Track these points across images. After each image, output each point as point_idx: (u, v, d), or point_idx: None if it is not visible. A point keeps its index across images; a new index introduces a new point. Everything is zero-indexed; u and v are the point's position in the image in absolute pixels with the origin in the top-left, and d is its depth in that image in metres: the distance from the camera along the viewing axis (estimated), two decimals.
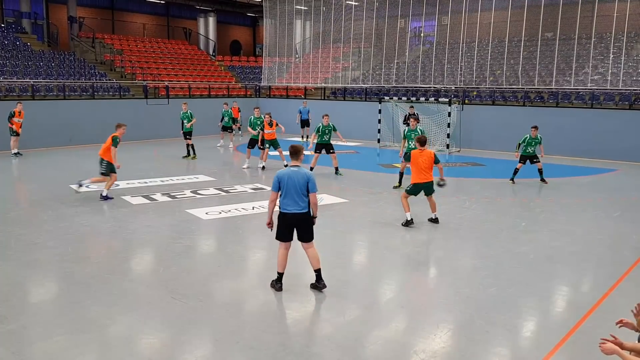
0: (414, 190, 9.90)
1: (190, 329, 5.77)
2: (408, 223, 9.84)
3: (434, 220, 10.06)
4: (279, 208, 6.72)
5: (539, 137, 14.24)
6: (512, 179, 14.38)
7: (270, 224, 6.87)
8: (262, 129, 16.03)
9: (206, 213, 10.77)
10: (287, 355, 5.29)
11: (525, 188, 13.96)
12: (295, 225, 6.69)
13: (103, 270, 7.54)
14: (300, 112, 23.84)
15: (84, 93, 23.05)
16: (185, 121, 18.23)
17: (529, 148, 14.22)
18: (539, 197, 13.19)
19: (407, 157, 9.66)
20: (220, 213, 10.87)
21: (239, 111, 23.89)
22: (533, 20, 22.51)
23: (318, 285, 6.79)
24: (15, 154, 17.85)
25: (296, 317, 6.19)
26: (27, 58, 23.59)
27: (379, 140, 22.59)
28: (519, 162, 14.36)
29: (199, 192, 12.74)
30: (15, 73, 22.07)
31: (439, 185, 10.13)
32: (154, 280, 7.38)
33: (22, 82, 21.50)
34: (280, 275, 6.82)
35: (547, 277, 7.58)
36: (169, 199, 11.99)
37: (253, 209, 11.21)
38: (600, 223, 10.65)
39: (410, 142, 12.99)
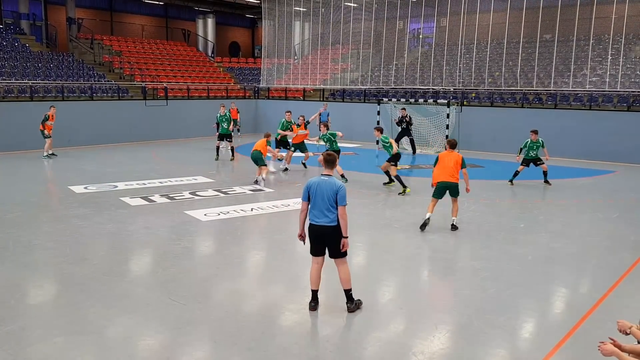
0: (437, 191, 9.86)
1: (189, 331, 5.76)
2: (424, 223, 9.76)
3: (453, 227, 9.85)
4: (308, 219, 6.30)
5: (540, 141, 14.21)
6: (511, 181, 14.38)
7: (301, 236, 6.43)
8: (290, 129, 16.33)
9: (205, 214, 10.76)
10: (285, 357, 5.28)
11: (524, 190, 13.97)
12: (323, 238, 6.22)
13: (101, 272, 7.53)
14: (320, 115, 23.67)
15: (83, 94, 23.02)
16: (224, 124, 18.39)
17: (530, 152, 14.20)
18: (538, 199, 13.21)
19: (435, 162, 10.04)
20: (219, 215, 10.86)
21: (238, 112, 23.88)
22: (532, 22, 22.54)
23: (348, 305, 6.29)
24: (48, 155, 18.14)
25: (295, 318, 6.18)
26: (25, 59, 23.57)
27: (377, 142, 22.57)
28: (521, 164, 14.35)
29: (197, 193, 12.73)
30: (13, 74, 22.04)
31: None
32: (153, 281, 7.37)
33: (20, 83, 21.48)
34: (314, 293, 6.34)
35: (545, 278, 7.58)
36: (168, 201, 11.98)
37: (252, 210, 11.20)
38: (598, 225, 10.66)
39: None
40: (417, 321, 6.21)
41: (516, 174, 14.35)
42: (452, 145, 10.06)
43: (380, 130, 13.97)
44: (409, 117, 21.08)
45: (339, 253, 6.23)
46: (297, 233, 6.50)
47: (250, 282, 7.46)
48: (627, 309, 6.48)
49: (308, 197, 6.22)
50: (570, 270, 8.03)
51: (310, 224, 6.26)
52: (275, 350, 5.40)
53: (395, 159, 13.36)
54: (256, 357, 5.26)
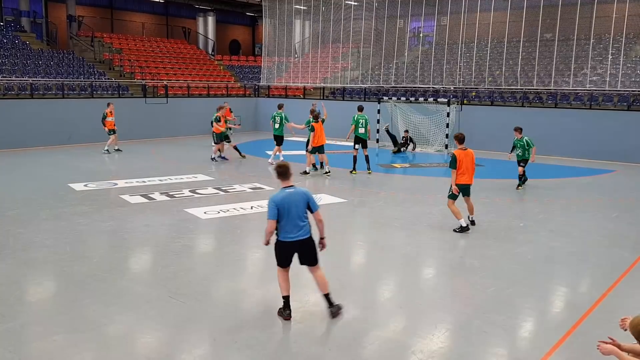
0: (456, 194, 9.50)
1: (188, 329, 5.77)
2: (463, 229, 9.56)
3: (471, 223, 9.88)
4: (277, 236, 5.96)
5: (524, 140, 13.64)
6: (519, 185, 13.79)
7: (268, 244, 6.13)
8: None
9: (205, 212, 10.76)
10: (284, 355, 5.29)
11: (523, 189, 13.95)
12: (297, 251, 6.02)
13: (101, 270, 7.54)
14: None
15: (83, 92, 23.01)
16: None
17: (518, 151, 13.76)
18: (538, 198, 13.20)
19: (452, 164, 9.55)
20: (219, 212, 10.86)
21: (231, 112, 23.75)
22: (532, 21, 22.52)
23: (331, 310, 6.06)
24: (107, 150, 18.82)
25: (294, 316, 6.17)
26: (26, 57, 23.55)
27: (377, 141, 22.59)
28: (518, 166, 13.95)
29: (197, 191, 12.73)
30: (14, 72, 22.03)
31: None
32: (152, 279, 7.37)
33: (20, 80, 21.47)
34: (286, 299, 6.10)
35: (545, 277, 7.59)
36: (168, 198, 11.98)
37: (252, 208, 11.20)
38: (598, 224, 10.66)
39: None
40: (417, 320, 6.22)
41: (520, 177, 13.82)
42: (461, 140, 9.58)
43: (360, 109, 15.64)
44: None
45: (313, 261, 6.08)
46: (263, 242, 6.12)
47: (250, 280, 7.46)
48: (626, 308, 6.47)
49: (278, 215, 5.81)
50: (569, 270, 8.03)
51: (282, 242, 5.92)
52: (275, 348, 5.41)
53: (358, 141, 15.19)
54: (255, 355, 5.26)
